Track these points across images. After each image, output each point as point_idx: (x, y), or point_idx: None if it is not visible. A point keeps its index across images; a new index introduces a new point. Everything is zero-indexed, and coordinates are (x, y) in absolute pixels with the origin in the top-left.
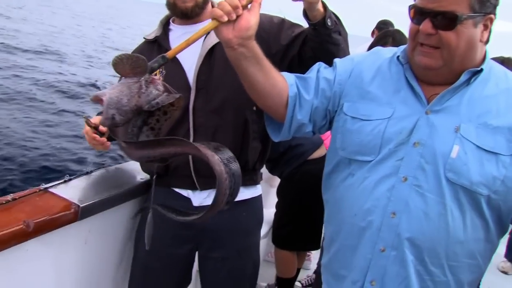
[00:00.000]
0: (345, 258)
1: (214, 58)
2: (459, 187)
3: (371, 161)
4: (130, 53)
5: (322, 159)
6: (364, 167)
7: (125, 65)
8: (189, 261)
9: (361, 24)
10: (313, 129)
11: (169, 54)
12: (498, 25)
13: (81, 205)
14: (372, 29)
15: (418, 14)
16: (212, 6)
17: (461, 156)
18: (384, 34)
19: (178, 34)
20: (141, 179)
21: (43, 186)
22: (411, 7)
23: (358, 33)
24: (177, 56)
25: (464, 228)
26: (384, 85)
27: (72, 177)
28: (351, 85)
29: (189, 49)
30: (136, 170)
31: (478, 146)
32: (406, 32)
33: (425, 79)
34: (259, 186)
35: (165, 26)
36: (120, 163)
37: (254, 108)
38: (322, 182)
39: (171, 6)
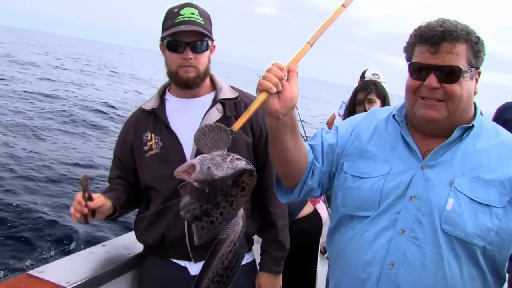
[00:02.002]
0: None
1: None
2: (454, 238)
3: (370, 216)
4: (210, 124)
5: (309, 216)
6: (364, 221)
7: (207, 139)
8: None
9: (343, 73)
10: (321, 192)
11: (235, 127)
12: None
13: (68, 287)
14: (358, 81)
15: (420, 70)
16: (211, 79)
17: (456, 209)
18: (366, 83)
19: (176, 106)
20: (129, 254)
21: (29, 272)
22: (410, 64)
23: (343, 82)
24: (174, 129)
25: (461, 278)
26: (381, 143)
27: (56, 256)
28: (351, 145)
29: (187, 124)
30: (122, 246)
31: (471, 199)
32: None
33: (425, 131)
34: (252, 251)
35: (161, 96)
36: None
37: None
38: (327, 239)
39: (172, 75)
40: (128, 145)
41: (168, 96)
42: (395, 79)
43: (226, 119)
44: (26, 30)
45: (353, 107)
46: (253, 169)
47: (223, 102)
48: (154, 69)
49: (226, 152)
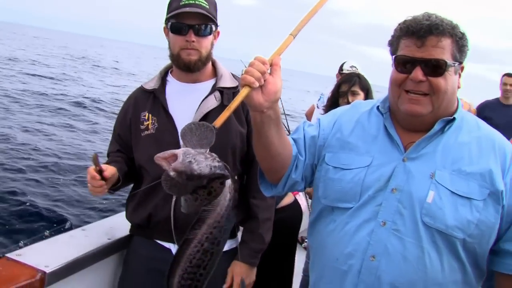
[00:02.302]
0: None
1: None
2: (435, 231)
3: (352, 207)
4: (198, 122)
5: (290, 206)
6: (345, 213)
7: (193, 136)
8: None
9: (325, 65)
10: (304, 186)
11: (216, 123)
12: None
13: (47, 271)
14: (336, 73)
15: (405, 63)
16: (213, 65)
17: (436, 201)
18: (349, 75)
19: (176, 89)
20: (109, 238)
21: (7, 255)
22: (395, 57)
23: (324, 73)
24: (171, 112)
25: (442, 270)
26: (363, 135)
27: (35, 240)
28: (333, 137)
29: (184, 108)
30: (102, 231)
31: (452, 192)
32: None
33: (408, 126)
34: (237, 237)
35: (163, 77)
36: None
37: (236, 177)
38: (307, 230)
39: (174, 57)
40: (128, 122)
41: (170, 78)
42: (375, 70)
43: (223, 108)
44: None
45: (336, 99)
46: (227, 177)
47: (222, 90)
48: (135, 62)
49: (208, 151)
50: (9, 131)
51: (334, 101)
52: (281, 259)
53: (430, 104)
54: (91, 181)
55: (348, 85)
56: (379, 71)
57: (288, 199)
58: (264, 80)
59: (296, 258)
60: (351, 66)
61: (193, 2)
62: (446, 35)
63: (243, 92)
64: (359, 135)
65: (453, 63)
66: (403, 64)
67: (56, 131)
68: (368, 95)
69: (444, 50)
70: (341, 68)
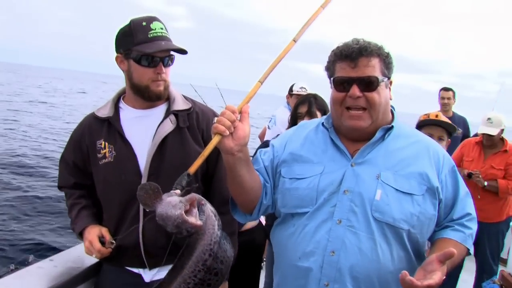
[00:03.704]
0: None
1: (166, 147)
2: (384, 224)
3: (309, 211)
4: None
5: (254, 228)
6: (303, 216)
7: (149, 193)
8: None
9: (275, 84)
10: (275, 208)
11: (191, 170)
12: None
13: None
14: (286, 94)
15: (343, 83)
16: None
17: (383, 198)
18: (306, 96)
19: (130, 116)
20: (78, 267)
21: None
22: (334, 79)
23: (267, 92)
24: (129, 139)
25: (392, 260)
26: (313, 148)
27: (2, 274)
28: (286, 154)
29: (141, 135)
30: (70, 260)
31: (396, 189)
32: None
33: (352, 138)
34: None
35: (116, 103)
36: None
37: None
38: (270, 235)
39: (142, 88)
40: (85, 149)
41: (123, 105)
42: (313, 84)
43: (179, 130)
44: None
45: (295, 120)
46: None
47: (176, 113)
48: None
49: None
50: None
51: (293, 123)
52: (248, 279)
53: (369, 117)
54: (96, 254)
55: (305, 107)
56: (316, 85)
57: (252, 222)
58: (234, 127)
59: (260, 277)
60: (301, 88)
61: (161, 34)
62: (374, 55)
63: (215, 140)
64: (309, 148)
65: (383, 78)
66: (341, 84)
67: None
68: (325, 114)
69: (374, 68)
70: (291, 89)
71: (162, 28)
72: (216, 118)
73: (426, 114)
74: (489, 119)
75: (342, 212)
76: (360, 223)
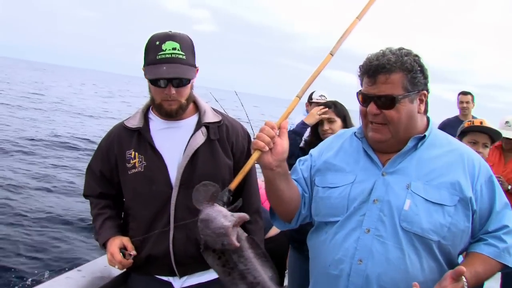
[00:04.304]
0: None
1: (197, 159)
2: (412, 235)
3: (340, 220)
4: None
5: (277, 236)
6: (335, 225)
7: (201, 194)
8: None
9: (282, 88)
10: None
11: (232, 186)
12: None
13: None
14: (306, 102)
15: (364, 98)
16: (194, 102)
17: (412, 208)
18: (326, 103)
19: (160, 127)
20: (105, 277)
21: None
22: (358, 93)
23: (287, 97)
24: (160, 150)
25: (421, 270)
26: (346, 158)
27: (33, 284)
28: (321, 162)
29: (171, 146)
30: (98, 270)
31: (426, 199)
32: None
33: (379, 149)
34: None
35: (145, 114)
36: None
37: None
38: (307, 241)
39: (156, 106)
40: (113, 160)
41: (152, 116)
42: (333, 91)
43: (210, 142)
44: None
45: (316, 126)
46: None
47: (207, 125)
48: None
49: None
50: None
51: (315, 129)
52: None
53: (389, 132)
54: (118, 265)
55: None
56: (339, 93)
57: (275, 229)
58: (273, 143)
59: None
60: (320, 96)
61: (170, 56)
62: (395, 72)
63: (255, 156)
64: (343, 158)
65: (406, 95)
66: (363, 99)
67: None
68: (345, 120)
69: (394, 85)
70: (310, 97)
71: (174, 48)
72: (256, 134)
73: (470, 121)
74: (507, 122)
75: (371, 221)
76: (388, 233)
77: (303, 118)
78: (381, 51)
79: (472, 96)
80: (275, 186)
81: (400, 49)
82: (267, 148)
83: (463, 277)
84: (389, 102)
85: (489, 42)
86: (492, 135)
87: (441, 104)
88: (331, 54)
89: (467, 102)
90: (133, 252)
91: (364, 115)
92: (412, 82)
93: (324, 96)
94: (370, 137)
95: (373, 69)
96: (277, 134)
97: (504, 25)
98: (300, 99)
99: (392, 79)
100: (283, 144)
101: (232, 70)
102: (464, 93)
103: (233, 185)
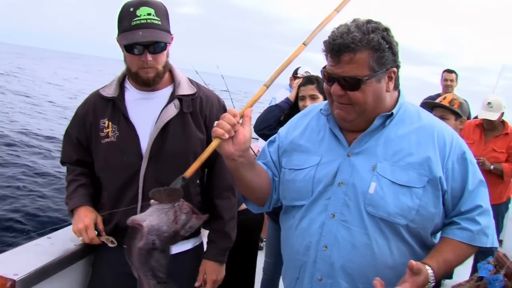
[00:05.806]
0: None
1: (168, 132)
2: (378, 219)
3: (305, 204)
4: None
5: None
6: (301, 209)
7: (162, 195)
8: None
9: (267, 71)
10: None
11: (187, 174)
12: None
13: (16, 279)
14: (290, 77)
15: (328, 78)
16: (170, 71)
17: (378, 192)
18: (308, 78)
19: (135, 97)
20: (75, 245)
21: None
22: (323, 71)
23: (280, 82)
24: (133, 121)
25: (391, 254)
26: (312, 137)
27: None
28: (287, 142)
29: (145, 117)
30: (68, 238)
31: (392, 182)
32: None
33: (345, 128)
34: (200, 236)
35: (121, 83)
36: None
37: (198, 181)
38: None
39: (132, 74)
40: (88, 126)
41: (128, 85)
42: (317, 72)
43: (183, 116)
44: None
45: (296, 102)
46: (199, 222)
47: (181, 98)
48: None
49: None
50: None
51: (294, 105)
52: (245, 259)
53: (354, 112)
54: (88, 241)
55: (307, 89)
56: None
57: None
58: (235, 131)
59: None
60: (306, 72)
61: (145, 21)
62: (360, 51)
63: (214, 143)
64: (309, 137)
65: (371, 75)
66: (327, 79)
67: None
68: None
69: (358, 65)
70: (295, 72)
71: (149, 14)
72: (216, 122)
73: (443, 97)
74: (489, 103)
75: (336, 205)
76: (353, 218)
77: (284, 93)
78: (346, 27)
79: (456, 74)
80: (241, 176)
81: (368, 22)
82: (226, 136)
83: (426, 267)
84: (354, 83)
85: (474, 27)
86: (450, 109)
87: (426, 86)
88: (304, 44)
89: (451, 80)
90: (104, 236)
91: (329, 93)
92: (379, 61)
93: (309, 73)
94: (336, 115)
95: (336, 48)
96: (240, 122)
97: (488, 7)
98: (267, 88)
99: (357, 59)
100: (245, 133)
101: (217, 53)
102: (449, 71)
103: (188, 172)
